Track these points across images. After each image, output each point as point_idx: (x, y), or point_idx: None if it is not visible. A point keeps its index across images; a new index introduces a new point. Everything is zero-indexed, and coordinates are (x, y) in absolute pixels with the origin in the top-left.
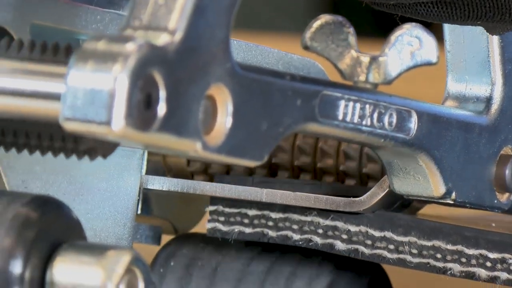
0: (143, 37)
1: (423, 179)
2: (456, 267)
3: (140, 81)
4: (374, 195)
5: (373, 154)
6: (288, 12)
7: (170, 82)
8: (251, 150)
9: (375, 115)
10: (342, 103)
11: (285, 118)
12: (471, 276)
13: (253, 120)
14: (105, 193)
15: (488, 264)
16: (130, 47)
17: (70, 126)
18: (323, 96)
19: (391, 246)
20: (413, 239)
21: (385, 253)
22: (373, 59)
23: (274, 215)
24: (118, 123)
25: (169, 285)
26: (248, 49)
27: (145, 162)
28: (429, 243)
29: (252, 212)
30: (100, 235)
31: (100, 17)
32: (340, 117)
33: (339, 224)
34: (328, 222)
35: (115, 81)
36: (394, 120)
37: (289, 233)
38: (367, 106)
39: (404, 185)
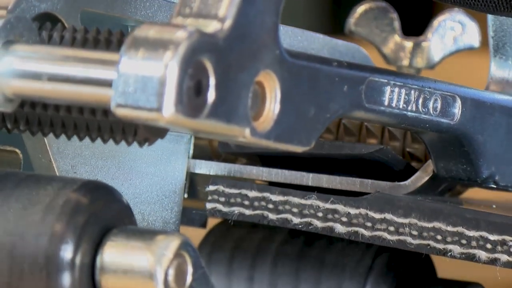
0: (193, 25)
1: (467, 163)
2: (456, 249)
3: (190, 68)
4: (419, 179)
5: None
6: (288, 11)
7: (220, 69)
8: (298, 135)
9: (420, 101)
10: (388, 89)
11: (332, 104)
12: (471, 258)
13: (301, 106)
14: (153, 178)
15: (488, 246)
16: (180, 35)
17: (121, 113)
18: (369, 82)
19: (391, 228)
20: (413, 220)
21: (385, 235)
22: (417, 44)
23: (274, 197)
24: (169, 109)
25: (217, 268)
26: (294, 34)
27: (192, 147)
28: (429, 225)
29: (252, 194)
30: (147, 219)
31: (149, 4)
32: (386, 102)
33: (339, 207)
34: (328, 205)
35: (166, 69)
36: (439, 105)
37: (289, 216)
38: (412, 91)
39: (448, 169)
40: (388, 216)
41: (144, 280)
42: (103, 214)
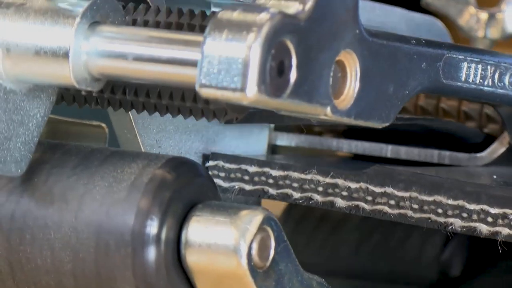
0: (275, 7)
1: None
2: (457, 222)
3: (273, 49)
4: (495, 150)
5: (493, 114)
6: None
7: (302, 50)
8: (378, 112)
9: (496, 76)
10: (465, 65)
11: (411, 81)
12: (472, 231)
13: (380, 83)
14: (235, 150)
15: (489, 219)
16: (263, 16)
17: (205, 92)
18: (447, 58)
19: (392, 202)
20: (414, 194)
21: (386, 208)
22: (491, 16)
23: (274, 172)
24: (252, 89)
25: (298, 240)
26: (372, 9)
27: None
28: (430, 198)
29: (252, 169)
30: None
31: None
32: (463, 78)
33: (339, 181)
34: (328, 180)
35: (249, 50)
36: None
37: (289, 191)
38: (488, 67)
39: None
40: (389, 189)
41: (228, 254)
42: (188, 190)
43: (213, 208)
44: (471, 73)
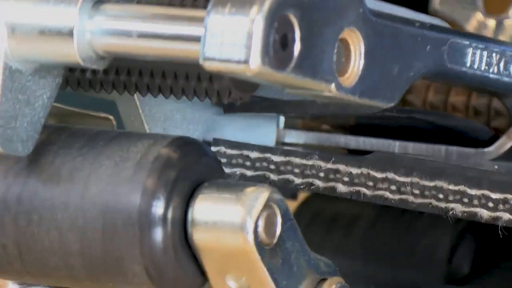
0: None
1: None
2: (458, 207)
3: (276, 22)
4: (503, 145)
5: (501, 109)
6: None
7: (305, 24)
8: (383, 91)
9: (502, 64)
10: (470, 51)
11: (415, 63)
12: (473, 216)
13: (385, 63)
14: None
15: (490, 204)
16: None
17: (209, 65)
18: (452, 43)
19: (393, 187)
20: (415, 179)
21: (387, 194)
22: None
23: (276, 158)
24: (256, 61)
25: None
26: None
27: (282, 117)
28: (431, 184)
29: (254, 155)
30: None
31: None
32: (468, 64)
33: (341, 167)
34: (329, 165)
35: (252, 23)
36: None
37: (290, 176)
38: (494, 54)
39: None
40: (390, 175)
41: (235, 232)
42: (194, 169)
43: (219, 186)
44: (476, 59)
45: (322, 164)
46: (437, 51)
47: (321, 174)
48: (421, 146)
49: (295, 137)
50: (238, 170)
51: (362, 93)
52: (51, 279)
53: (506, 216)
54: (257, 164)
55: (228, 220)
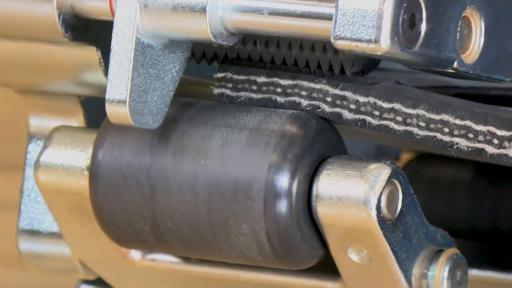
0: None
1: None
2: (463, 142)
3: (405, 3)
4: None
5: None
6: None
7: (431, 4)
8: (501, 67)
9: None
10: None
11: None
12: (478, 152)
13: (503, 40)
14: None
15: (495, 141)
16: None
17: (340, 44)
18: None
19: (399, 118)
20: (421, 112)
21: (392, 124)
22: None
23: (283, 82)
24: (386, 41)
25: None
26: None
27: None
28: (437, 117)
29: (261, 79)
30: None
31: None
32: None
33: (348, 94)
34: (337, 91)
35: (383, 3)
36: None
37: (297, 99)
38: None
39: None
40: (397, 106)
41: (358, 207)
42: (318, 145)
43: (342, 162)
44: None
45: (329, 89)
46: None
47: (328, 99)
48: None
49: None
50: (244, 94)
51: (482, 69)
52: (181, 249)
53: (511, 153)
54: (264, 88)
55: (352, 196)
